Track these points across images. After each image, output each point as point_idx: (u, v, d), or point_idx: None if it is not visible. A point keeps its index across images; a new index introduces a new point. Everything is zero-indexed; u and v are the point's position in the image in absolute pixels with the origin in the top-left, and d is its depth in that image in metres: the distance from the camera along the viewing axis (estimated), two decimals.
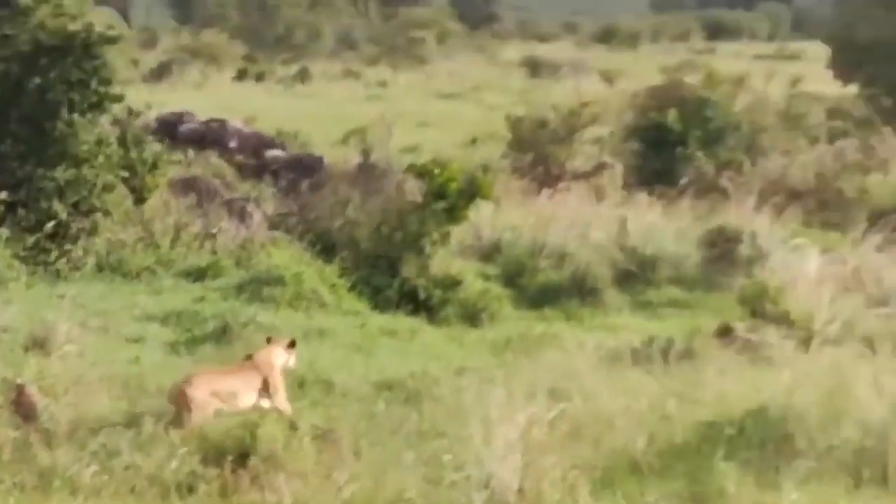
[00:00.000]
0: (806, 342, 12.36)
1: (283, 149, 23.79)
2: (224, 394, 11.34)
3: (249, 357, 12.06)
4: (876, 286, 15.84)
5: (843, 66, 37.58)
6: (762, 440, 9.79)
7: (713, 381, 11.54)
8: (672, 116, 26.01)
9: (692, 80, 28.25)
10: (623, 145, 27.24)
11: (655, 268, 18.68)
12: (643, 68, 53.13)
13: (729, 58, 65.99)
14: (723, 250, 18.73)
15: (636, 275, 18.58)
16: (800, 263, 16.95)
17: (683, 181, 24.88)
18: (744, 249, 18.48)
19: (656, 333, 14.20)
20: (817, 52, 46.15)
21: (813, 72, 47.34)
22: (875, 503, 8.76)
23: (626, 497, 9.32)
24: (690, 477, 9.46)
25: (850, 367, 10.82)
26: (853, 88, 37.82)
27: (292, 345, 12.16)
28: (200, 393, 11.11)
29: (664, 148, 25.89)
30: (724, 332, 14.06)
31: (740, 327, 14.12)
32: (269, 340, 12.32)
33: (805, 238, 19.08)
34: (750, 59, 67.56)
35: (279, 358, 11.92)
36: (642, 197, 22.76)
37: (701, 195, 23.43)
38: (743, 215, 19.53)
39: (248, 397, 11.49)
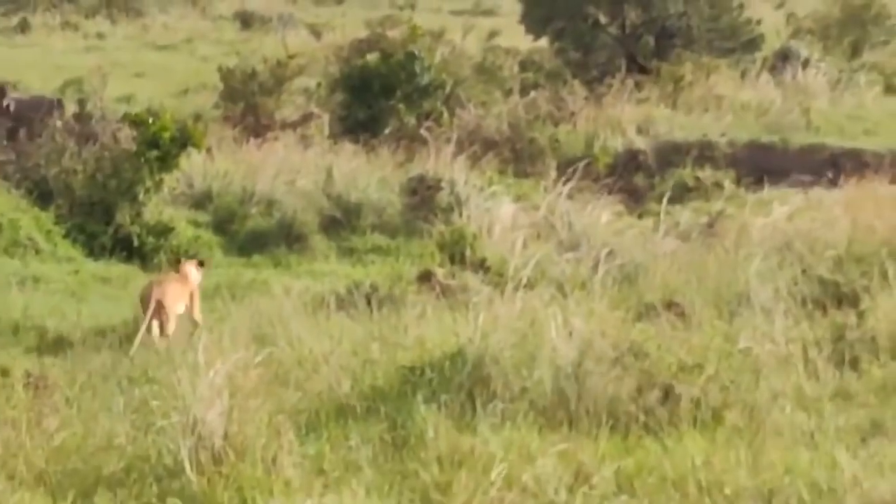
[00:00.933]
0: (502, 287, 12.35)
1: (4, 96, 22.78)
2: (178, 302, 12.10)
3: (177, 268, 12.95)
4: (566, 232, 16.10)
5: (534, 21, 37.97)
6: (460, 383, 9.70)
7: (414, 325, 11.49)
8: (374, 67, 25.93)
9: (395, 33, 28.17)
10: (330, 96, 27.08)
11: (360, 215, 18.63)
12: (349, 22, 53.09)
13: (429, 13, 66.51)
14: (423, 198, 18.77)
15: (341, 222, 18.50)
16: (495, 211, 17.13)
17: (387, 131, 24.92)
18: (443, 197, 18.54)
19: (360, 279, 14.10)
20: (512, 7, 46.70)
21: (507, 26, 47.96)
22: (566, 443, 8.78)
23: (330, 440, 9.14)
24: (392, 420, 9.34)
25: (543, 310, 10.83)
26: (544, 42, 38.31)
27: (201, 264, 13.10)
28: (171, 301, 11.89)
29: (368, 98, 25.82)
30: (425, 278, 14.03)
31: (440, 273, 14.12)
32: (178, 261, 13.28)
33: (500, 186, 19.31)
34: (448, 14, 68.33)
35: (196, 274, 12.81)
36: (348, 146, 22.70)
37: (403, 145, 23.54)
38: (442, 165, 19.57)
39: (181, 306, 12.21)
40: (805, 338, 10.76)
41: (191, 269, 12.91)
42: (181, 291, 12.48)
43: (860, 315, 11.24)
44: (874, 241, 13.31)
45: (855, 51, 46.04)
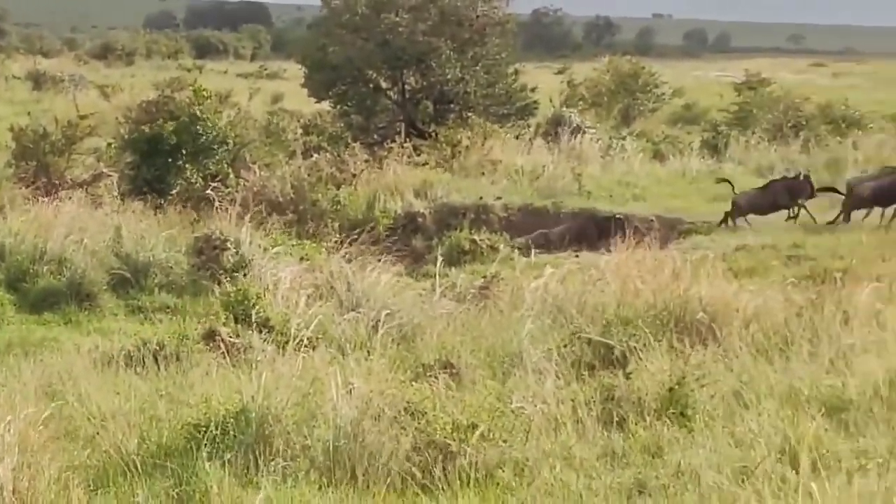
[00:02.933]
0: (284, 346, 12.57)
1: None
2: None
3: None
4: (347, 293, 16.32)
5: (317, 84, 38.18)
6: (243, 440, 9.87)
7: (199, 383, 11.64)
8: (162, 128, 25.91)
9: (182, 95, 28.14)
10: (119, 156, 26.92)
11: (147, 274, 18.59)
12: (138, 83, 52.77)
13: (216, 75, 66.48)
14: (209, 258, 18.80)
15: (130, 280, 18.44)
16: (279, 271, 17.29)
17: (174, 191, 24.90)
18: (228, 257, 18.62)
19: (148, 337, 14.14)
20: (296, 71, 47.03)
21: (291, 89, 48.27)
22: (345, 500, 9.02)
23: (117, 496, 9.24)
24: (178, 476, 9.46)
25: (323, 369, 11.06)
26: (327, 105, 38.60)
27: None
28: None
29: (157, 159, 25.78)
30: (210, 337, 14.13)
31: (224, 332, 14.23)
32: None
33: (284, 247, 19.49)
34: (234, 77, 68.37)
35: None
36: (137, 206, 22.66)
37: (191, 205, 23.56)
38: (228, 225, 19.68)
39: None
40: (575, 398, 10.93)
41: None
42: None
43: (627, 376, 11.35)
44: (641, 304, 13.63)
45: (625, 118, 47.72)
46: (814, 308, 13.13)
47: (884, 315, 12.71)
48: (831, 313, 12.86)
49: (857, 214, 24.14)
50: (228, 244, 18.83)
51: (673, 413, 10.63)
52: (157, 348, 13.20)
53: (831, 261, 18.21)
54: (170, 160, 25.65)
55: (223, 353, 13.21)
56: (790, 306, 13.47)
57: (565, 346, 12.68)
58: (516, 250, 22.81)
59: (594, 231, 23.37)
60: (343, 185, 26.70)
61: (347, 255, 18.23)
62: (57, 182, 24.95)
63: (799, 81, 69.57)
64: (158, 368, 12.48)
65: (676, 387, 10.85)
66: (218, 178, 25.23)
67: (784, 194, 25.22)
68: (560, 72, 74.30)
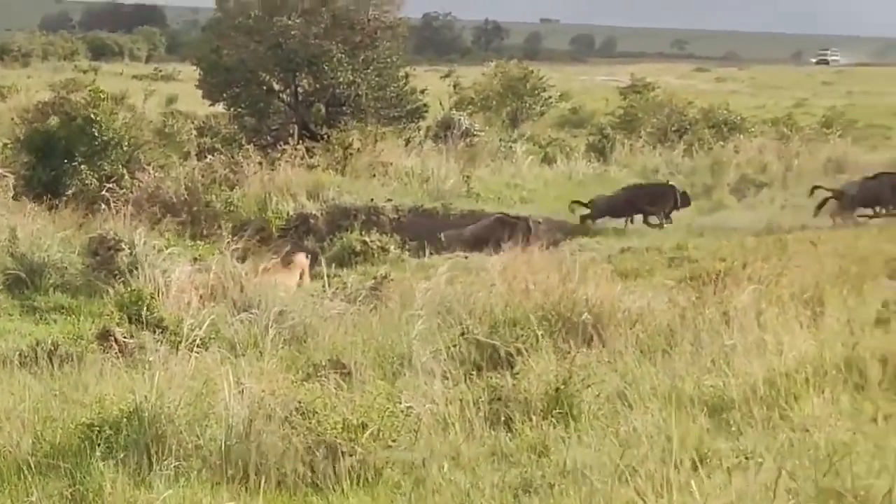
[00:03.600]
0: (177, 346, 12.51)
1: None
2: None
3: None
4: (239, 293, 16.29)
5: (211, 87, 37.87)
6: (137, 440, 9.82)
7: (93, 383, 11.55)
8: (57, 129, 25.62)
9: (78, 97, 27.85)
10: (15, 157, 26.58)
11: (42, 274, 18.38)
12: (34, 84, 52.01)
13: (111, 77, 65.68)
14: (103, 258, 18.63)
15: (25, 281, 18.23)
16: (173, 272, 17.19)
17: (69, 192, 24.63)
18: (122, 258, 18.47)
19: (43, 337, 14.02)
20: (191, 73, 46.68)
21: (186, 91, 47.87)
22: (237, 499, 9.03)
23: (12, 497, 9.14)
24: (72, 476, 9.39)
25: (216, 369, 11.02)
26: (221, 107, 38.38)
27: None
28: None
29: (52, 160, 25.49)
30: (104, 337, 14.05)
31: (118, 332, 14.16)
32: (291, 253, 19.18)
33: (178, 248, 19.36)
34: (129, 78, 67.60)
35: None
36: (32, 207, 22.37)
37: (85, 206, 23.31)
38: (122, 226, 19.52)
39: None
40: (463, 398, 10.91)
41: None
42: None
43: (514, 377, 11.33)
44: (528, 305, 13.68)
45: (513, 121, 48.05)
46: (696, 309, 13.36)
47: (764, 316, 12.96)
48: (713, 314, 13.08)
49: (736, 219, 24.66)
50: (122, 245, 18.67)
51: (559, 413, 10.70)
52: (52, 348, 13.10)
53: (713, 262, 18.55)
54: (65, 161, 25.37)
55: (117, 353, 13.13)
56: (673, 307, 13.69)
57: (454, 346, 12.69)
58: (406, 251, 22.96)
59: (503, 232, 23.66)
60: (236, 187, 26.63)
61: (240, 257, 18.19)
62: None
63: (683, 86, 70.68)
64: (53, 368, 12.36)
65: (562, 387, 10.93)
66: (113, 180, 25.00)
67: (643, 199, 25.67)
68: (448, 76, 74.59)
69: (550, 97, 52.24)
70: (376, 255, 22.77)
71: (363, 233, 23.94)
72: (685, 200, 26.22)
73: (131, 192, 23.99)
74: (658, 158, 36.42)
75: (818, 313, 13.03)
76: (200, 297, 15.89)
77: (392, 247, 23.18)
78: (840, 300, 13.65)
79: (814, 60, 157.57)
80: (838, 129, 42.25)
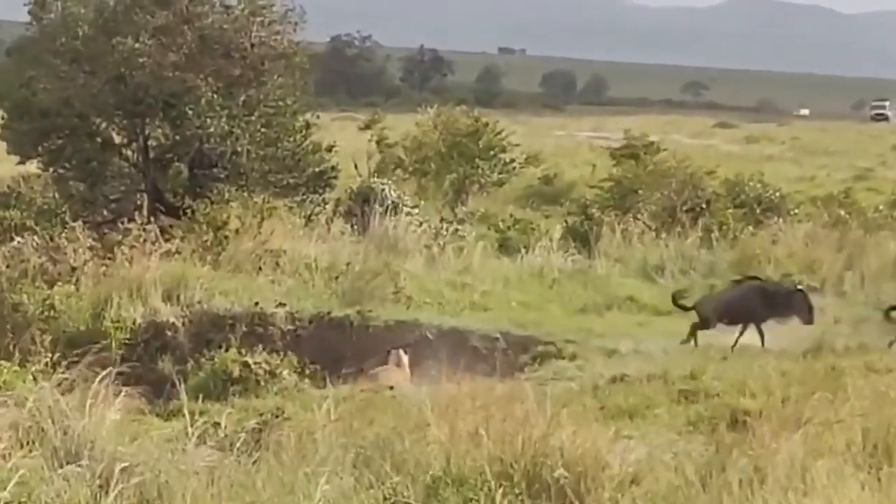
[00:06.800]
0: None
1: None
2: None
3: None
4: (63, 438, 16.23)
5: (20, 137, 37.21)
6: None
7: None
8: None
9: None
10: None
11: None
12: None
13: None
14: None
15: None
16: None
17: None
18: None
19: None
20: None
21: None
22: None
23: None
24: None
25: None
26: (34, 167, 37.91)
27: None
28: None
29: None
30: None
31: None
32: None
33: None
34: None
35: None
36: None
37: None
38: None
39: None
40: None
41: None
42: None
43: None
44: (481, 457, 13.82)
45: (460, 194, 48.34)
46: (716, 466, 13.48)
47: (811, 474, 13.10)
48: (740, 473, 13.20)
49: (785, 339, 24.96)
50: None
51: None
52: None
53: (739, 398, 18.75)
54: None
55: None
56: (684, 463, 13.82)
57: None
58: (306, 378, 22.99)
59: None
60: (59, 283, 26.53)
61: (64, 384, 18.14)
62: None
63: (699, 147, 71.65)
64: None
65: None
66: None
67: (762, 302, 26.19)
68: (368, 126, 75.09)
69: (513, 160, 52.74)
70: (262, 382, 22.77)
71: (244, 351, 23.92)
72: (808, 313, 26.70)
73: None
74: (664, 250, 36.76)
75: (886, 470, 13.21)
76: (5, 443, 15.83)
77: (285, 371, 23.20)
78: None
79: (871, 114, 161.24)
80: None
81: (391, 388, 20.78)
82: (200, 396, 18.33)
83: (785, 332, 25.46)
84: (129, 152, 37.41)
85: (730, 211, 40.82)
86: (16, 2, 38.42)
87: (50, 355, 21.30)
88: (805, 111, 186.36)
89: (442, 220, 38.10)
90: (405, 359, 23.84)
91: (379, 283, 29.59)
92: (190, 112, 36.05)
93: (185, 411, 17.45)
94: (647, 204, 42.37)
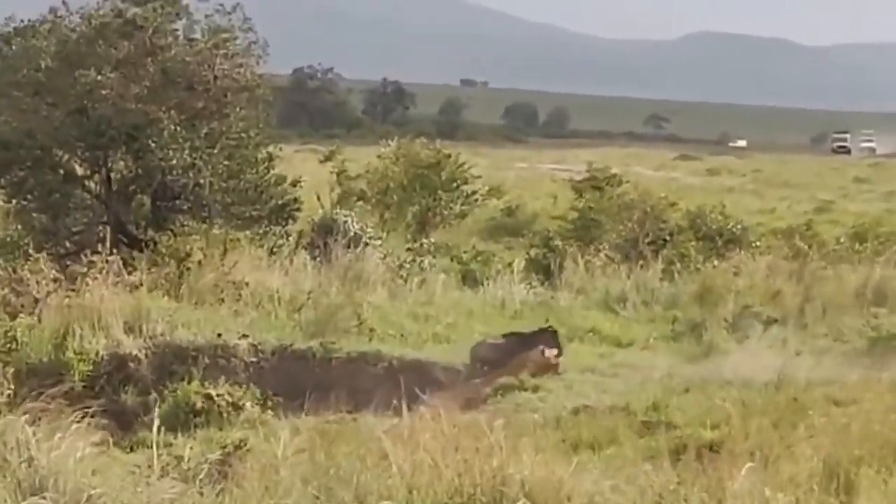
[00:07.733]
0: None
1: None
2: None
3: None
4: (26, 470, 16.21)
5: None
6: None
7: None
8: None
9: None
10: None
11: None
12: None
13: None
14: None
15: None
16: None
17: None
18: None
19: None
20: None
21: None
22: None
23: None
24: None
25: None
26: None
27: None
28: None
29: None
30: None
31: None
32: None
33: None
34: None
35: None
36: None
37: None
38: None
39: None
40: None
41: None
42: None
43: None
44: (441, 489, 13.87)
45: (422, 226, 48.43)
46: (677, 497, 13.54)
47: None
48: None
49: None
50: None
51: None
52: None
53: (701, 430, 18.83)
54: None
55: None
56: (645, 493, 13.88)
57: None
58: (269, 410, 23.00)
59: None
60: (21, 315, 26.50)
61: (28, 416, 18.12)
62: None
63: (661, 180, 71.83)
64: None
65: None
66: None
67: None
68: (329, 158, 75.15)
69: (475, 192, 52.84)
70: (225, 414, 22.77)
71: (207, 383, 23.92)
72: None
73: None
74: (626, 282, 36.86)
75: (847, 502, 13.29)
76: None
77: (248, 403, 23.21)
78: (877, 484, 13.94)
79: (833, 146, 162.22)
80: (876, 244, 42.96)
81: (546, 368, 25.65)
82: (163, 429, 18.26)
83: (748, 363, 25.53)
84: (92, 184, 37.32)
85: (692, 243, 40.98)
86: None
87: (12, 387, 21.30)
88: (742, 142, 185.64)
89: (406, 251, 38.13)
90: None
91: (342, 315, 29.59)
92: (152, 144, 36.00)
93: (152, 443, 17.50)
94: (609, 236, 42.48)
